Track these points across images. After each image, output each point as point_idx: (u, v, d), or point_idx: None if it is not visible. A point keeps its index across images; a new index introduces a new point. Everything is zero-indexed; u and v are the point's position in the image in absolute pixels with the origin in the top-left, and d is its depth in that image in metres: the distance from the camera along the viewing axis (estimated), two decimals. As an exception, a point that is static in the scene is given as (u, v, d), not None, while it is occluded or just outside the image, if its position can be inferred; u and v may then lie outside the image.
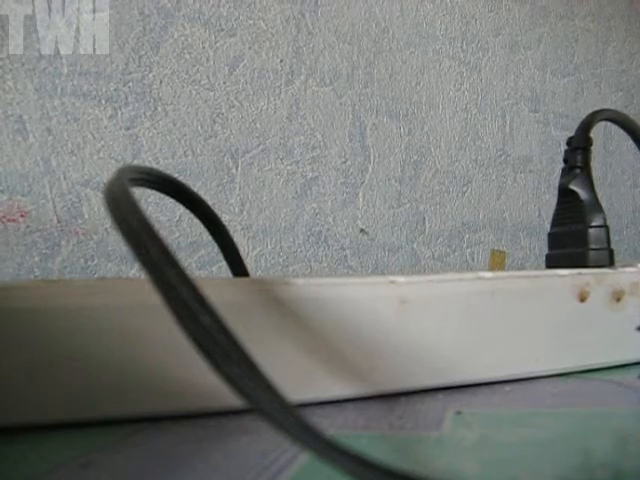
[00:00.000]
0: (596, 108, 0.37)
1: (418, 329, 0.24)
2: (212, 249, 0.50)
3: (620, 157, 0.84)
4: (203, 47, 0.52)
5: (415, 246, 0.66)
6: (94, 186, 0.46)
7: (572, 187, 0.34)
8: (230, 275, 0.34)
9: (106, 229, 0.47)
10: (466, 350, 0.25)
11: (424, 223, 0.67)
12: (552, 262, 0.35)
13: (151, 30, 0.50)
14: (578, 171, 0.34)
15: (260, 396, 0.14)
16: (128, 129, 0.48)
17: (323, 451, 0.14)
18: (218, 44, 0.53)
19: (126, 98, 0.49)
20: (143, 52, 0.49)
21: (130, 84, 0.49)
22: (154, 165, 0.49)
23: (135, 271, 0.48)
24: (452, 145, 0.70)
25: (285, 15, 0.57)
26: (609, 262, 0.32)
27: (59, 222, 0.45)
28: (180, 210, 0.50)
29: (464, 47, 0.73)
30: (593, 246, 0.32)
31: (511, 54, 0.76)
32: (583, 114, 0.37)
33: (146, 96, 0.49)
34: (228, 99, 0.53)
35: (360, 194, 0.61)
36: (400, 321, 0.24)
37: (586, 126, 0.36)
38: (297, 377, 0.22)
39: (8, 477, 0.17)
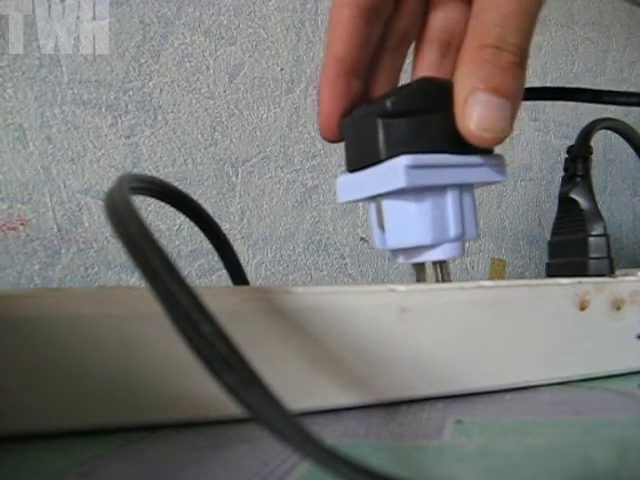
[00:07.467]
0: (596, 116, 0.37)
1: (418, 338, 0.24)
2: (212, 257, 0.50)
3: (620, 166, 0.84)
4: (203, 55, 0.53)
5: (415, 254, 0.66)
6: (94, 194, 0.46)
7: (572, 196, 0.34)
8: (230, 284, 0.34)
9: (106, 237, 0.47)
10: (466, 359, 0.25)
11: (424, 231, 0.67)
12: (552, 271, 0.35)
13: (151, 38, 0.50)
14: (578, 180, 0.35)
15: (260, 405, 0.14)
16: (128, 137, 0.48)
17: (323, 460, 0.14)
18: (218, 52, 0.53)
19: (126, 106, 0.49)
20: (143, 60, 0.49)
21: (130, 92, 0.49)
22: (154, 173, 0.49)
23: (135, 279, 0.48)
24: (452, 153, 0.70)
25: (285, 24, 0.57)
26: (609, 271, 0.32)
27: (59, 230, 0.45)
28: (180, 218, 0.50)
29: (464, 56, 0.73)
30: (593, 255, 0.32)
31: (511, 63, 0.76)
32: (583, 122, 0.37)
33: (146, 104, 0.50)
34: (228, 107, 0.54)
35: (360, 202, 0.61)
36: (400, 330, 0.24)
37: (586, 134, 0.36)
38: (297, 386, 0.22)
39: (7, 486, 0.17)
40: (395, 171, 0.25)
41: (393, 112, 0.25)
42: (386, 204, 0.27)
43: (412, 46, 0.31)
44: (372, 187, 0.27)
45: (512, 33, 0.23)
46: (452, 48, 0.30)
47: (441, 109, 0.25)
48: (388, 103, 0.25)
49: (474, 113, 0.23)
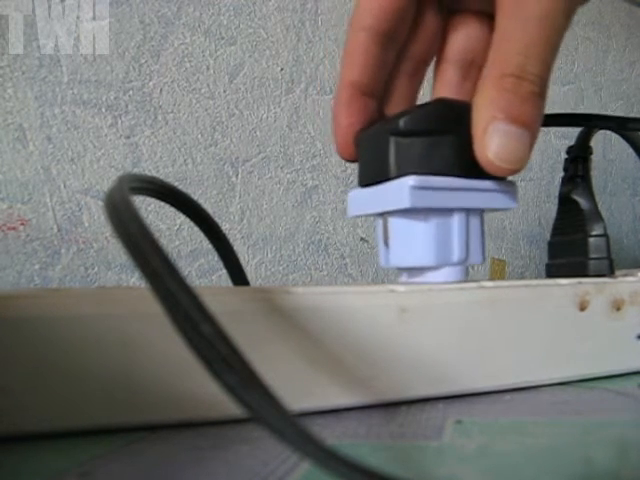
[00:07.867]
0: (596, 117, 0.37)
1: (418, 338, 0.24)
2: (212, 257, 0.50)
3: (620, 166, 0.84)
4: (203, 55, 0.53)
5: (415, 254, 0.66)
6: (94, 194, 0.46)
7: (572, 196, 0.34)
8: (230, 284, 0.34)
9: (106, 237, 0.47)
10: (466, 359, 0.25)
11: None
12: (552, 271, 0.35)
13: (151, 38, 0.50)
14: (578, 180, 0.35)
15: (260, 405, 0.14)
16: (128, 137, 0.48)
17: (323, 460, 0.14)
18: (218, 52, 0.53)
19: (126, 106, 0.49)
20: (143, 60, 0.49)
21: (130, 92, 0.49)
22: (154, 173, 0.49)
23: (135, 279, 0.48)
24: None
25: (285, 24, 0.57)
26: (609, 271, 0.32)
27: (59, 230, 0.45)
28: (180, 218, 0.50)
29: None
30: (593, 255, 0.32)
31: (511, 63, 0.76)
32: (583, 123, 0.37)
33: (146, 104, 0.50)
34: (228, 107, 0.54)
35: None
36: (400, 330, 0.24)
37: (586, 135, 0.36)
38: (297, 386, 0.22)
39: (7, 486, 0.17)
40: (401, 191, 0.25)
41: (406, 131, 0.25)
42: (392, 222, 0.27)
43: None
44: (380, 204, 0.27)
45: (533, 63, 0.23)
46: (474, 67, 0.29)
47: (455, 131, 0.25)
48: (401, 122, 0.25)
49: (493, 142, 0.23)
